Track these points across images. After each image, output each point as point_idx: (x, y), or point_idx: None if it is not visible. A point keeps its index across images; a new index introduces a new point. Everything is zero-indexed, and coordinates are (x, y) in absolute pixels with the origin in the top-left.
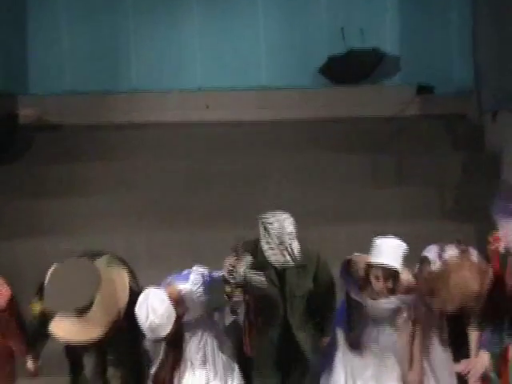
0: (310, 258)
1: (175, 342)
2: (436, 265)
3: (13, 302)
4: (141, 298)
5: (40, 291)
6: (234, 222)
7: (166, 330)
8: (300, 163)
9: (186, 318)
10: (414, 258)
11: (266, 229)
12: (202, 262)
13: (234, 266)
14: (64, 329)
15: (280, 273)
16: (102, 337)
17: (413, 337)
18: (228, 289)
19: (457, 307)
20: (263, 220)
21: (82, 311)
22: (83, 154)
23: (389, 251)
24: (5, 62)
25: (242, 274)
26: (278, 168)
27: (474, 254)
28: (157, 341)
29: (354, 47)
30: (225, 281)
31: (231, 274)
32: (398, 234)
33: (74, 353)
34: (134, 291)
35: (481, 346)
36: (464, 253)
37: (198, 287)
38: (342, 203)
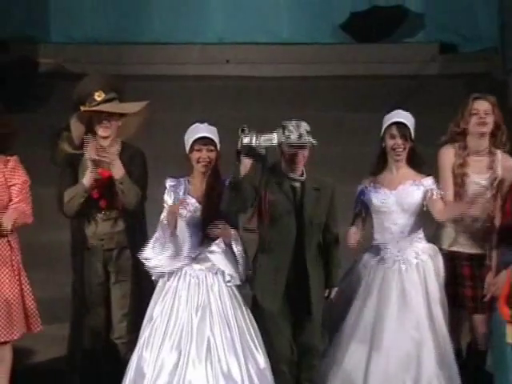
0: (325, 185)
1: None
2: None
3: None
4: None
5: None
6: None
7: None
8: (318, 120)
9: None
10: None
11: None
12: None
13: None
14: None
15: (298, 200)
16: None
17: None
18: None
19: None
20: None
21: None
22: None
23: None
24: (26, 8)
25: (253, 136)
26: None
27: None
28: None
29: (377, 3)
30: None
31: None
32: None
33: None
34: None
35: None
36: None
37: None
38: (359, 161)
